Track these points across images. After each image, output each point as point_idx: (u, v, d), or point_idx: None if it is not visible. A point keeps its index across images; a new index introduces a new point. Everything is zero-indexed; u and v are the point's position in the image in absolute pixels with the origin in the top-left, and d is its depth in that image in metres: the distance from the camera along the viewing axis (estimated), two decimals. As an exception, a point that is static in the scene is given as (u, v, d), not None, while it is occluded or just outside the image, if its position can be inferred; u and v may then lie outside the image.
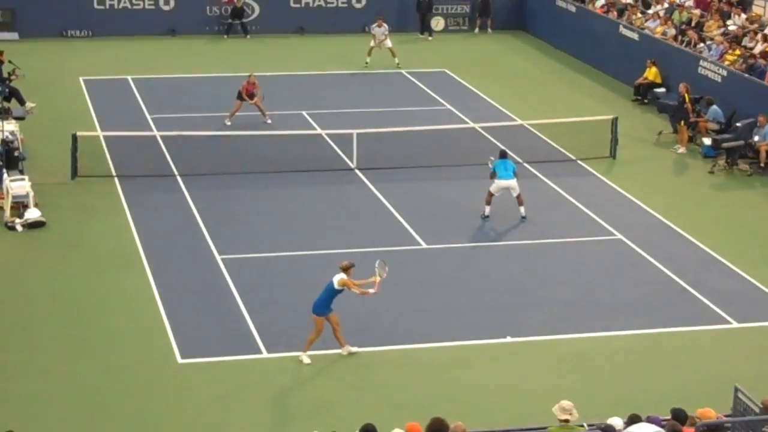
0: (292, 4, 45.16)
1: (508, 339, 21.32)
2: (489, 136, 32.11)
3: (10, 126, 28.77)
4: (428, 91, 37.52)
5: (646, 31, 38.47)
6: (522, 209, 26.73)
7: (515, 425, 16.53)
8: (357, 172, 29.71)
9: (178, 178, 29.02)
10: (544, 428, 15.30)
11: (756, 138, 30.70)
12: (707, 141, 31.61)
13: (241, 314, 21.93)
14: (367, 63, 40.23)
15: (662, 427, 14.71)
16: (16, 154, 28.03)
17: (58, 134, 30.92)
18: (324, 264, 22.73)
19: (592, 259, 25.11)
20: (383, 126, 31.92)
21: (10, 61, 33.50)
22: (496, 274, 24.31)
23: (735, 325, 22.17)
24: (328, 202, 27.91)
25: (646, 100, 36.51)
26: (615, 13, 41.06)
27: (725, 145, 30.96)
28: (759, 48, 34.16)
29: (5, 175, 26.73)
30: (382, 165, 29.92)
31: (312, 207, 27.59)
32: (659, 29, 38.18)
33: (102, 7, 43.62)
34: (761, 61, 33.18)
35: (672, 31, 37.69)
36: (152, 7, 44.11)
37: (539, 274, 24.22)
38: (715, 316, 22.47)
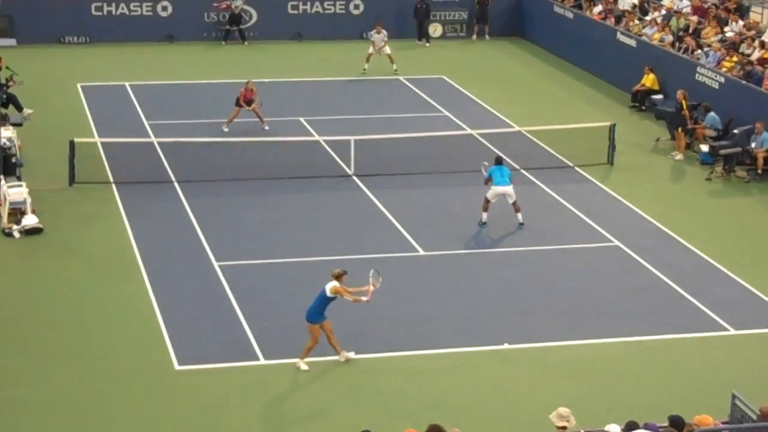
0: (290, 11, 45.13)
1: (506, 346, 21.31)
2: (486, 143, 32.11)
3: (7, 132, 28.78)
4: (426, 97, 37.51)
5: (644, 38, 38.45)
6: (519, 216, 26.73)
7: (512, 432, 16.56)
8: (354, 178, 29.70)
9: (176, 184, 29.01)
10: (542, 435, 15.34)
11: (753, 145, 30.70)
12: (705, 148, 31.59)
13: (238, 321, 21.92)
14: (365, 70, 40.22)
15: (659, 434, 14.74)
16: (13, 160, 28.08)
17: (55, 141, 30.89)
18: (321, 271, 22.63)
19: (590, 265, 25.09)
20: (381, 133, 31.90)
21: (7, 68, 33.41)
22: (493, 280, 24.31)
23: (732, 332, 22.15)
24: (325, 209, 27.90)
25: (643, 107, 36.50)
26: (612, 19, 41.05)
27: (723, 151, 30.96)
28: (756, 55, 34.16)
29: (3, 182, 26.73)
30: (379, 171, 29.92)
31: (310, 214, 27.58)
32: (657, 36, 38.18)
33: (100, 14, 43.61)
34: (758, 68, 33.17)
35: (669, 38, 37.69)
36: (150, 13, 44.08)
37: (537, 280, 24.22)
38: (713, 323, 22.46)
